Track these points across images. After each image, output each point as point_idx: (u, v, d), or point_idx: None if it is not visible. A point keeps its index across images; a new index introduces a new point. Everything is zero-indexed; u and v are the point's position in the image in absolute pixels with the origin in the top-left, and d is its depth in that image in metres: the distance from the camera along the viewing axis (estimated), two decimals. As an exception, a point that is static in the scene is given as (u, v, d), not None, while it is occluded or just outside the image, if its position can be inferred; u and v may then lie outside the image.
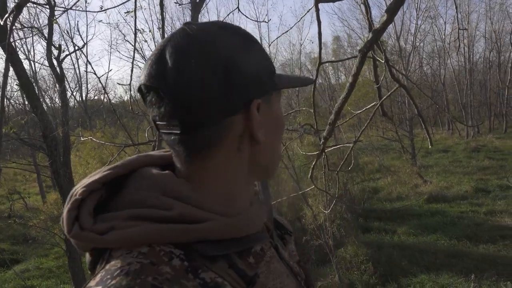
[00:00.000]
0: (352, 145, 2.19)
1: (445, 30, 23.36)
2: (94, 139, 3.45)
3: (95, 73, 3.14)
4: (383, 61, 2.16)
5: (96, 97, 22.39)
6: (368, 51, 1.93)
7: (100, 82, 3.11)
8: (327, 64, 24.79)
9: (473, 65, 23.58)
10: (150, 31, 13.38)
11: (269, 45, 11.40)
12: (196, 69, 0.51)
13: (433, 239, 9.27)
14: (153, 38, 13.58)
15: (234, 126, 0.55)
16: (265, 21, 14.66)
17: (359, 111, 2.29)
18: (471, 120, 21.34)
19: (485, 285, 6.83)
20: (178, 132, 0.53)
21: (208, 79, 0.51)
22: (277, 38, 12.40)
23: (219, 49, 0.53)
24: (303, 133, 2.46)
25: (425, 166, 15.24)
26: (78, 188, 0.55)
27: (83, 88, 18.99)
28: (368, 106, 2.31)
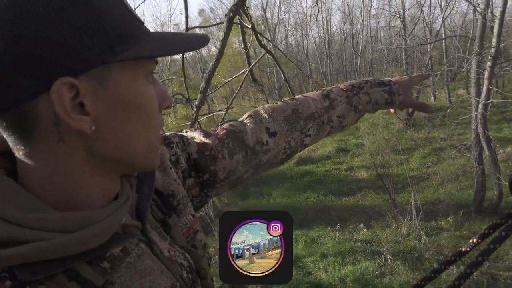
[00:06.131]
0: (224, 113, 2.21)
1: (306, 3, 25.00)
2: None
3: None
4: (249, 27, 2.19)
5: None
6: (235, 16, 1.92)
7: None
8: (197, 35, 24.49)
9: (331, 36, 25.77)
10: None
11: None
12: None
13: (304, 197, 10.18)
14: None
15: (39, 112, 0.43)
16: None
17: (229, 79, 2.30)
18: (331, 87, 23.43)
19: (347, 232, 7.87)
20: None
21: None
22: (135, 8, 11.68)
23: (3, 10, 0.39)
24: (174, 103, 2.38)
25: (294, 132, 16.45)
26: None
27: None
28: (238, 74, 2.33)
